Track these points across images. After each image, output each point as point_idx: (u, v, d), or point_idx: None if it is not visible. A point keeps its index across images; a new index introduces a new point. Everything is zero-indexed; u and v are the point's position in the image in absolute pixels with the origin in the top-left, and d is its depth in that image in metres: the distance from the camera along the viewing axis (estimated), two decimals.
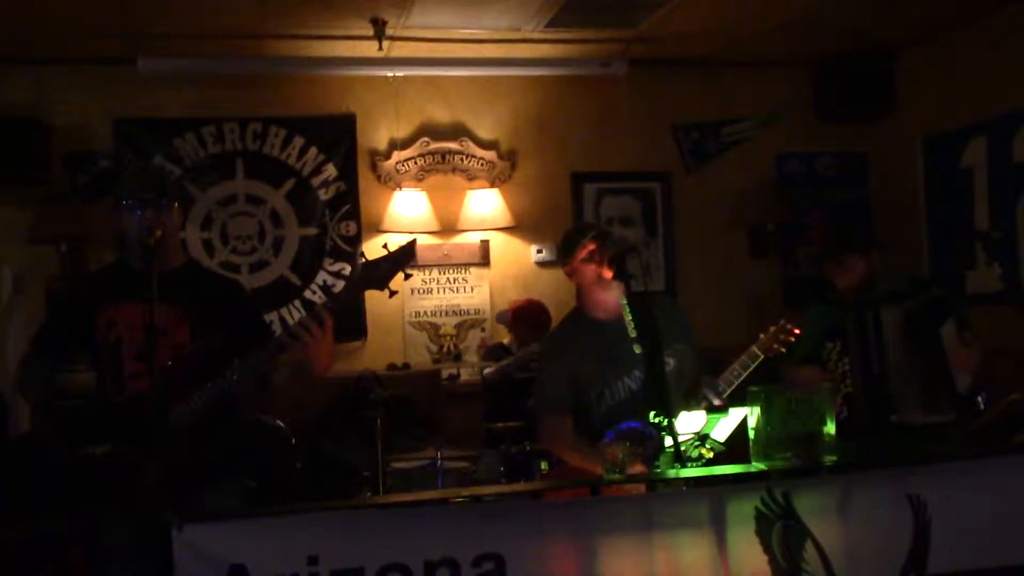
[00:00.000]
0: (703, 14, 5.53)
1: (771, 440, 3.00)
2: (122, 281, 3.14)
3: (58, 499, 3.09)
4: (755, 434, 3.06)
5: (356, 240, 6.20)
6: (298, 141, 6.17)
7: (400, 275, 2.97)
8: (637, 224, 6.60)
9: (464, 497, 3.19)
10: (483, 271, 6.38)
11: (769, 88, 6.70)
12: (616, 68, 6.24)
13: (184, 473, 2.85)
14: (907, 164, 6.40)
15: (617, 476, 2.97)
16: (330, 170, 6.20)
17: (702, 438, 3.15)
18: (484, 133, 6.41)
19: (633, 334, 3.38)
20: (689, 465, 3.09)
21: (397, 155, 6.26)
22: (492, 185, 6.34)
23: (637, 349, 3.37)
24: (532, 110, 6.47)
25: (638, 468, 3.11)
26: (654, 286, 6.37)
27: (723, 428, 3.28)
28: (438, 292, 6.32)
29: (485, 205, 6.29)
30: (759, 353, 3.54)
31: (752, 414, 3.09)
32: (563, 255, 3.61)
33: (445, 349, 6.30)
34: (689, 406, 3.36)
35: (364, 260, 2.98)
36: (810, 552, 2.77)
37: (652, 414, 3.17)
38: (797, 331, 3.56)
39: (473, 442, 5.33)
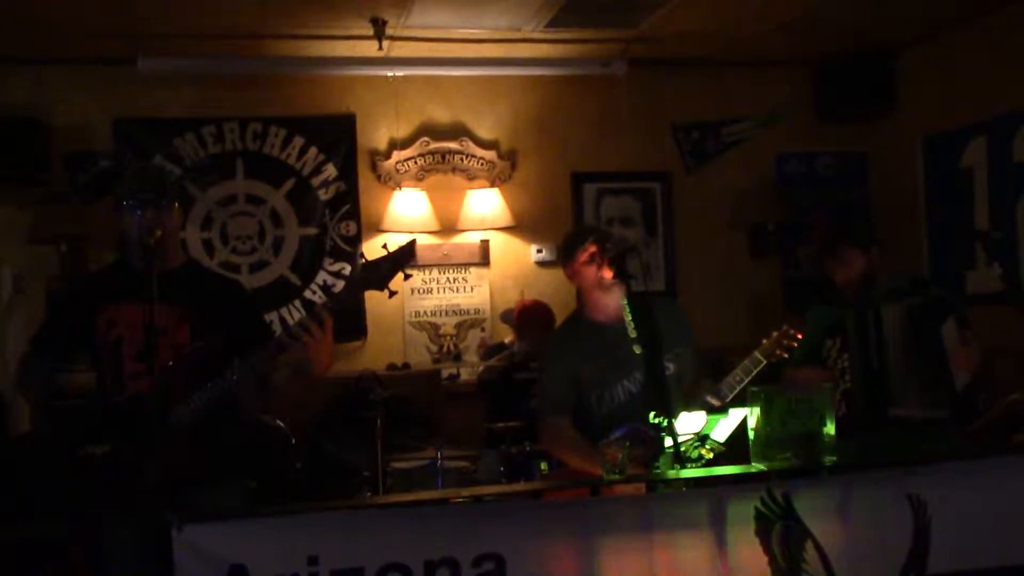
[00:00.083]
0: (703, 14, 5.53)
1: (771, 440, 3.00)
2: (122, 281, 3.13)
3: (58, 499, 3.09)
4: (755, 434, 3.06)
5: (356, 240, 6.20)
6: (298, 141, 6.17)
7: (400, 275, 2.97)
8: (637, 224, 6.60)
9: (464, 497, 3.19)
10: (483, 271, 6.38)
11: (769, 88, 6.70)
12: (616, 68, 6.24)
13: (184, 473, 2.85)
14: (907, 164, 6.40)
15: (617, 476, 2.97)
16: (330, 170, 6.20)
17: (702, 439, 3.15)
18: (484, 133, 6.41)
19: (633, 335, 3.39)
20: (689, 466, 3.09)
21: (397, 155, 6.27)
22: (492, 185, 6.34)
23: (637, 350, 3.38)
24: (532, 110, 6.47)
25: (638, 469, 3.11)
26: (654, 286, 6.37)
27: (723, 428, 3.28)
28: (438, 292, 6.32)
29: (485, 205, 6.29)
30: (761, 359, 3.54)
31: (752, 414, 3.09)
32: (564, 258, 3.63)
33: (445, 349, 6.30)
34: (689, 408, 3.36)
35: (364, 260, 2.98)
36: (810, 552, 2.77)
37: (652, 414, 3.16)
38: (799, 336, 3.55)
39: (473, 442, 5.32)
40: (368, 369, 5.45)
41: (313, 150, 6.18)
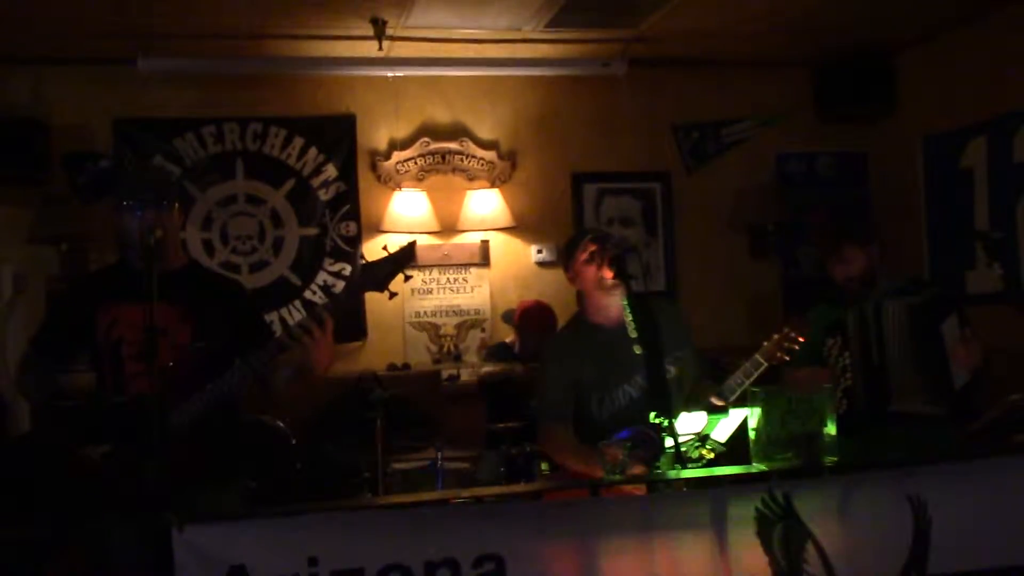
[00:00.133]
0: (703, 14, 5.53)
1: (771, 441, 3.01)
2: (123, 281, 3.13)
3: (58, 499, 3.09)
4: (755, 435, 3.06)
5: (356, 240, 6.20)
6: (298, 141, 6.17)
7: (400, 276, 2.97)
8: (637, 224, 6.60)
9: (464, 498, 3.19)
10: (483, 271, 6.38)
11: (769, 88, 6.70)
12: (616, 68, 6.24)
13: (184, 473, 2.85)
14: (907, 164, 6.40)
15: (618, 477, 2.97)
16: (330, 170, 6.20)
17: (702, 439, 3.15)
18: (484, 133, 6.41)
19: (634, 336, 3.39)
20: (690, 466, 3.09)
21: (397, 155, 6.26)
22: (492, 185, 6.34)
23: (638, 351, 3.38)
24: (532, 110, 6.47)
25: (638, 470, 3.11)
26: (654, 286, 6.37)
27: (723, 429, 3.28)
28: (438, 292, 6.32)
29: (485, 205, 6.29)
30: (762, 361, 3.54)
31: (752, 415, 3.10)
32: (564, 260, 3.66)
33: (445, 349, 6.30)
34: (692, 408, 3.36)
35: (364, 262, 2.98)
36: (811, 553, 2.77)
37: (652, 415, 3.16)
38: (801, 339, 3.55)
39: (473, 442, 5.32)
40: (368, 369, 5.44)
41: (313, 150, 6.18)
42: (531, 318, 5.62)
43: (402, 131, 6.30)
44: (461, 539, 2.61)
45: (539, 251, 6.40)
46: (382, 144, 6.30)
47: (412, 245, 3.02)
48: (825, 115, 6.63)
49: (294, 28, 5.55)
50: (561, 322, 4.67)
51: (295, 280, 6.15)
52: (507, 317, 5.98)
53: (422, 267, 6.22)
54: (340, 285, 6.15)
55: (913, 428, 3.67)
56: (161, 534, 2.50)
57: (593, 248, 3.48)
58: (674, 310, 3.79)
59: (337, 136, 6.21)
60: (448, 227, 6.31)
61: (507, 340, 5.91)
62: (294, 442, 5.10)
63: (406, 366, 6.09)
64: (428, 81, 6.31)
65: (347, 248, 6.19)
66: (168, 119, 6.00)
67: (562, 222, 6.25)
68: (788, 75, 6.68)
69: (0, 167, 5.60)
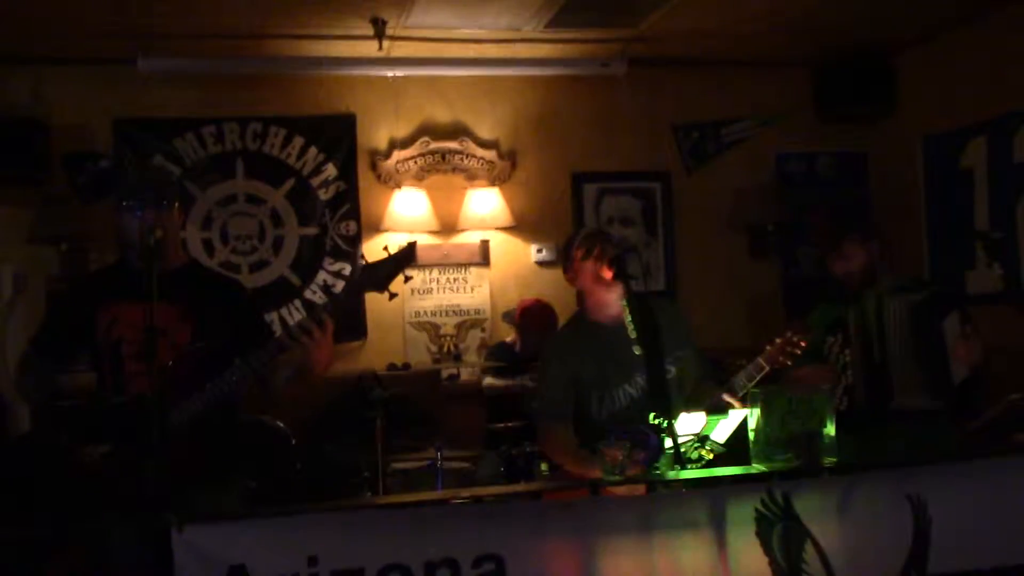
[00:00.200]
0: (703, 14, 5.53)
1: (771, 441, 3.01)
2: (123, 281, 3.14)
3: (58, 499, 3.09)
4: (755, 435, 3.07)
5: (356, 240, 6.20)
6: (298, 141, 6.17)
7: (400, 277, 2.97)
8: (637, 224, 6.59)
9: (464, 497, 3.19)
10: (483, 271, 6.38)
11: (769, 88, 6.69)
12: (616, 68, 6.24)
13: (184, 473, 2.85)
14: (907, 164, 6.40)
15: (617, 477, 2.97)
16: (330, 170, 6.20)
17: (702, 439, 3.15)
18: (484, 133, 6.41)
19: (634, 335, 3.39)
20: (689, 466, 3.09)
21: (397, 155, 6.26)
22: (492, 185, 6.34)
23: (638, 350, 3.38)
24: (532, 110, 6.47)
25: (636, 470, 3.11)
26: (654, 286, 6.37)
27: (722, 429, 3.28)
28: (438, 292, 6.32)
29: (485, 205, 6.28)
30: (765, 365, 3.55)
31: (752, 415, 3.10)
32: (563, 259, 3.67)
33: (445, 349, 6.30)
34: (700, 408, 3.36)
35: (364, 262, 2.98)
36: (810, 553, 2.77)
37: (652, 415, 3.16)
38: (803, 344, 3.56)
39: (473, 442, 5.33)
40: (368, 369, 5.44)
41: (313, 150, 6.18)
42: (532, 317, 5.62)
43: (402, 131, 6.30)
44: (461, 539, 2.62)
45: (539, 251, 6.40)
46: (382, 144, 6.29)
47: (412, 246, 3.02)
48: (825, 115, 6.63)
49: (294, 28, 5.54)
50: (562, 322, 4.68)
51: (295, 280, 6.15)
52: (508, 317, 5.99)
53: (422, 267, 6.22)
54: (340, 285, 6.14)
55: (913, 425, 3.69)
56: (161, 534, 2.50)
57: (591, 246, 3.50)
58: (674, 309, 3.79)
59: (337, 136, 6.20)
60: (448, 227, 6.31)
61: (507, 340, 5.92)
62: (294, 442, 5.10)
63: (406, 366, 6.09)
64: (428, 81, 6.31)
65: (347, 248, 6.19)
66: (168, 119, 6.00)
67: (562, 222, 6.25)
68: (788, 75, 6.68)
69: (0, 167, 5.61)
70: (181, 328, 3.08)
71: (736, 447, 3.21)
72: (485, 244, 6.36)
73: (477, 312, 6.36)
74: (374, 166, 6.27)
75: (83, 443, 3.00)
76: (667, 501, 2.94)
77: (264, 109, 6.11)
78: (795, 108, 6.65)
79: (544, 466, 4.39)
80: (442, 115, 6.37)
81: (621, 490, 2.99)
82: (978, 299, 5.58)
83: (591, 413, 3.47)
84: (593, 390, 3.46)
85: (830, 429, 3.03)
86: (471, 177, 6.34)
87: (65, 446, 3.05)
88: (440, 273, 6.31)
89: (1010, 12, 5.52)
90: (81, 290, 3.44)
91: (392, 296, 2.94)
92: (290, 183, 6.15)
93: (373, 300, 3.51)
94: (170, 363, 2.99)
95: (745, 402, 3.31)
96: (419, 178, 6.28)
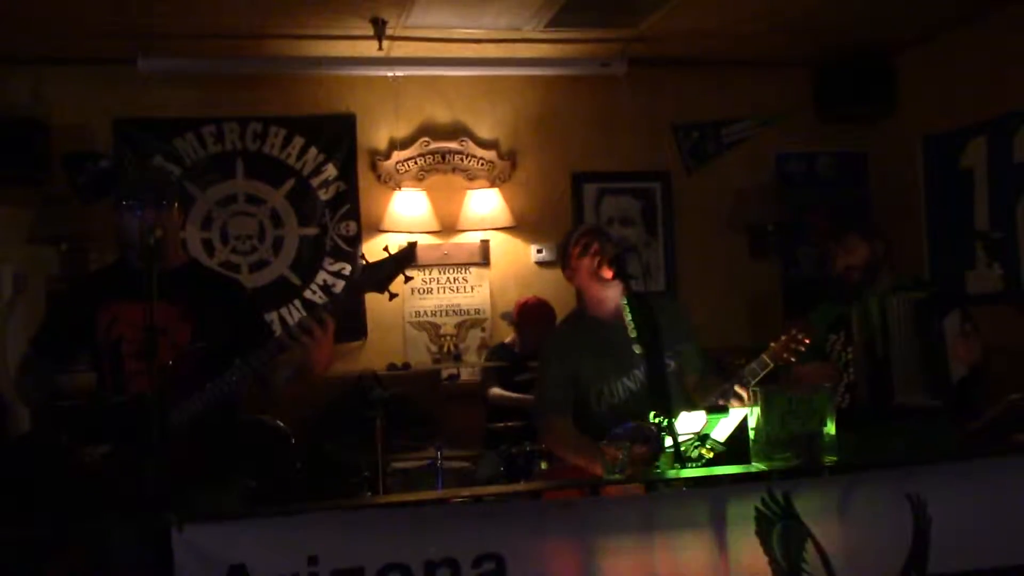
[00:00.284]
0: (703, 14, 5.53)
1: (771, 440, 3.01)
2: (123, 280, 3.13)
3: (58, 499, 3.09)
4: (755, 434, 3.06)
5: (356, 240, 6.20)
6: (298, 141, 6.17)
7: (400, 277, 2.97)
8: (637, 224, 6.59)
9: (464, 497, 3.19)
10: (483, 271, 6.38)
11: (769, 88, 6.70)
12: (616, 68, 6.24)
13: (184, 473, 2.85)
14: (907, 164, 6.40)
15: (617, 476, 2.97)
16: (330, 170, 6.20)
17: (702, 438, 3.15)
18: (484, 133, 6.41)
19: (633, 335, 3.39)
20: (689, 465, 3.09)
21: (397, 155, 6.26)
22: (492, 185, 6.34)
23: (638, 350, 3.39)
24: (532, 110, 6.47)
25: (639, 467, 3.11)
26: (654, 286, 6.38)
27: (723, 428, 3.28)
28: (438, 292, 6.32)
29: (485, 205, 6.28)
30: (769, 362, 3.54)
31: (752, 414, 3.10)
32: (561, 256, 3.68)
33: (445, 349, 6.30)
34: (694, 406, 3.36)
35: (364, 262, 2.98)
36: (810, 552, 2.77)
37: (652, 415, 3.16)
38: (807, 341, 3.56)
39: (473, 442, 5.33)
40: (368, 369, 5.44)
41: (313, 150, 6.18)
42: (529, 313, 5.63)
43: (402, 131, 6.30)
44: (461, 538, 2.61)
45: (539, 251, 6.40)
46: (382, 144, 6.30)
47: (412, 246, 3.03)
48: (825, 115, 6.63)
49: (294, 28, 5.55)
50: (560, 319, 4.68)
51: (295, 280, 6.15)
52: (507, 316, 6.00)
53: (422, 267, 6.22)
54: (340, 285, 6.14)
55: (914, 424, 3.69)
56: (161, 534, 2.50)
57: (588, 243, 3.51)
58: (674, 306, 3.81)
59: (337, 136, 6.20)
60: (448, 227, 6.31)
61: (506, 341, 5.92)
62: (294, 442, 5.11)
63: (406, 366, 6.08)
64: (428, 81, 6.31)
65: (347, 248, 6.19)
66: (168, 119, 6.00)
67: (562, 222, 6.25)
68: (788, 75, 6.68)
69: (0, 167, 5.61)
70: (181, 327, 3.08)
71: (736, 446, 3.21)
72: (485, 244, 6.37)
73: (477, 312, 6.36)
74: (374, 166, 6.27)
75: (83, 443, 3.00)
76: (667, 500, 2.94)
77: (264, 109, 6.11)
78: (795, 108, 6.65)
79: (544, 465, 4.40)
80: (442, 115, 6.37)
81: (621, 489, 2.99)
82: (978, 299, 5.59)
83: (591, 407, 3.48)
84: (592, 384, 3.47)
85: (830, 428, 3.03)
86: (471, 177, 6.34)
87: (65, 446, 3.05)
88: (440, 273, 6.32)
89: (1010, 12, 5.52)
90: (81, 290, 3.44)
91: (392, 296, 2.94)
92: (290, 183, 6.15)
93: (373, 300, 3.51)
94: (170, 363, 2.99)
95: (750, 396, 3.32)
96: (419, 178, 6.28)
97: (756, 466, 3.00)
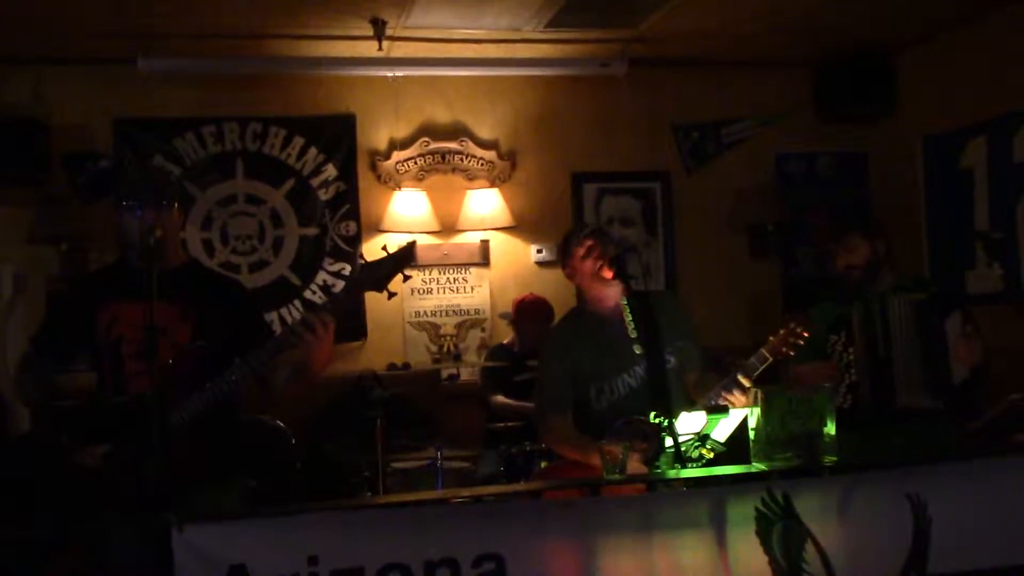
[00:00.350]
0: (703, 14, 5.53)
1: (771, 440, 3.01)
2: (123, 280, 3.13)
3: (58, 499, 3.09)
4: (755, 434, 3.06)
5: (356, 240, 6.20)
6: (298, 141, 6.17)
7: (399, 277, 2.97)
8: (637, 224, 6.60)
9: (464, 497, 3.19)
10: (483, 271, 6.38)
11: (769, 88, 6.70)
12: (616, 68, 6.24)
13: (184, 473, 2.85)
14: (907, 164, 6.40)
15: (617, 476, 2.97)
16: (330, 170, 6.20)
17: (702, 438, 3.15)
18: (484, 133, 6.41)
19: (634, 334, 3.40)
20: (689, 465, 3.09)
21: (397, 155, 6.26)
22: (492, 185, 6.34)
23: (638, 349, 3.39)
24: (532, 110, 6.47)
25: (640, 465, 3.11)
26: (654, 286, 6.37)
27: (723, 428, 3.28)
28: (438, 292, 6.32)
29: (485, 205, 6.29)
30: (768, 356, 3.55)
31: (752, 414, 3.10)
32: (562, 255, 3.68)
33: (445, 349, 6.30)
34: (694, 405, 3.36)
35: (363, 262, 2.98)
36: (810, 552, 2.77)
37: (652, 415, 3.17)
38: (806, 334, 3.56)
39: (473, 442, 5.33)
40: (368, 369, 5.45)
41: (313, 150, 6.18)
42: (527, 310, 5.63)
43: (402, 131, 6.30)
44: (461, 538, 2.61)
45: (539, 251, 6.40)
46: (382, 144, 6.30)
47: (412, 245, 3.02)
48: (825, 115, 6.63)
49: (294, 28, 5.55)
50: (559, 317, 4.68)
51: (295, 280, 6.15)
52: (505, 316, 6.00)
53: (422, 267, 6.23)
54: (340, 285, 6.14)
55: (916, 424, 3.69)
56: (161, 534, 2.50)
57: (589, 243, 3.52)
58: (674, 302, 3.82)
59: (337, 136, 6.21)
60: (448, 227, 6.31)
61: (505, 342, 5.92)
62: (294, 442, 5.11)
63: (406, 366, 6.09)
64: (428, 81, 6.31)
65: (347, 248, 6.19)
66: (168, 119, 6.00)
67: (562, 222, 6.23)
68: (788, 75, 6.68)
69: (0, 167, 5.61)
70: (181, 327, 3.08)
71: (736, 446, 3.21)
72: (485, 244, 6.37)
73: (477, 312, 6.36)
74: (374, 166, 6.27)
75: (83, 443, 3.00)
76: (667, 500, 2.94)
77: (264, 109, 6.11)
78: (795, 108, 6.65)
79: (544, 465, 4.39)
80: (442, 115, 6.37)
81: (619, 489, 2.99)
82: (978, 299, 5.58)
83: (590, 403, 3.48)
84: (592, 381, 3.48)
85: (830, 428, 3.03)
86: (471, 177, 6.35)
87: (65, 446, 3.05)
88: (440, 273, 6.32)
89: (1010, 12, 5.52)
90: (81, 290, 3.44)
91: (391, 295, 2.94)
92: (290, 183, 6.15)
93: (373, 300, 3.51)
94: (170, 362, 2.99)
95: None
96: (419, 178, 6.28)
97: (756, 466, 3.00)
